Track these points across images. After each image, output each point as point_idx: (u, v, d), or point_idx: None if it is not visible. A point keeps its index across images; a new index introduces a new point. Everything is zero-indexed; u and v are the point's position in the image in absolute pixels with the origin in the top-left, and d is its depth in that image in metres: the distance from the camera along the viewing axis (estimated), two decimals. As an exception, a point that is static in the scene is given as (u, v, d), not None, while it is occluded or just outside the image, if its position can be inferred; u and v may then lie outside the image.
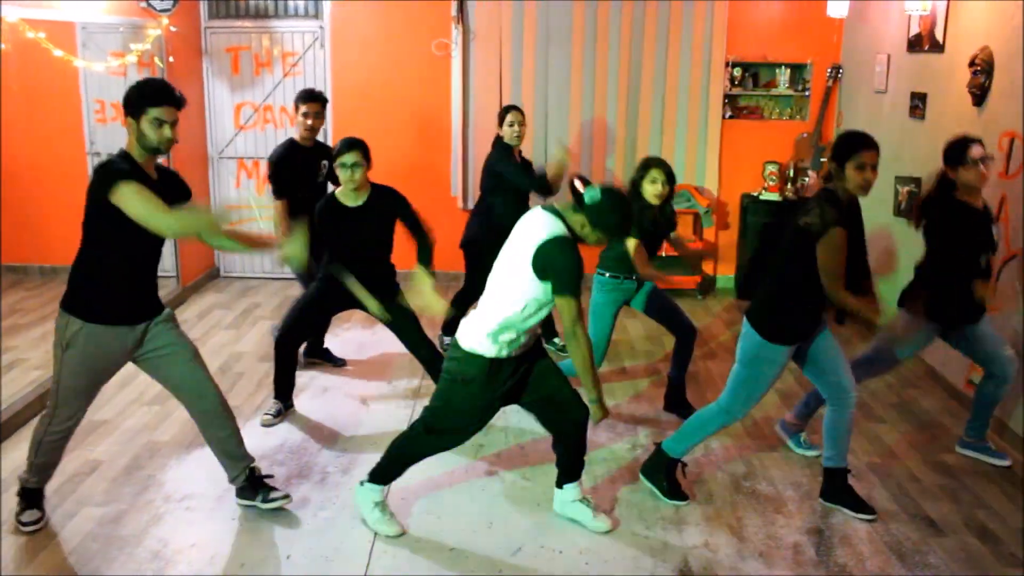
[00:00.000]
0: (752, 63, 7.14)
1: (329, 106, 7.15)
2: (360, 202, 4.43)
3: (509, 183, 5.31)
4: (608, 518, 3.74)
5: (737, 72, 7.11)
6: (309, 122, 5.12)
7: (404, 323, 4.62)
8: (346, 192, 4.41)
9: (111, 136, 7.09)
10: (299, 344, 4.88)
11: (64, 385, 3.46)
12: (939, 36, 5.31)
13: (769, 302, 3.73)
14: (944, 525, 3.73)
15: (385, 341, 5.92)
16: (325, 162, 5.23)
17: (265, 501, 3.77)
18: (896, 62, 5.98)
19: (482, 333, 3.35)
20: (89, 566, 3.36)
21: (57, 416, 3.50)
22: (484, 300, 3.43)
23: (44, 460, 3.59)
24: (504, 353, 3.36)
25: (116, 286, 3.41)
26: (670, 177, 4.51)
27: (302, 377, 5.25)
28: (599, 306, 4.69)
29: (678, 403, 4.85)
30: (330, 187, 5.13)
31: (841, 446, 3.81)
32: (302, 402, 4.93)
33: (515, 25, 7.00)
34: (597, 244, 3.40)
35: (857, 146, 3.50)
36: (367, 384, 5.22)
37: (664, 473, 3.93)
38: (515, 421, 4.69)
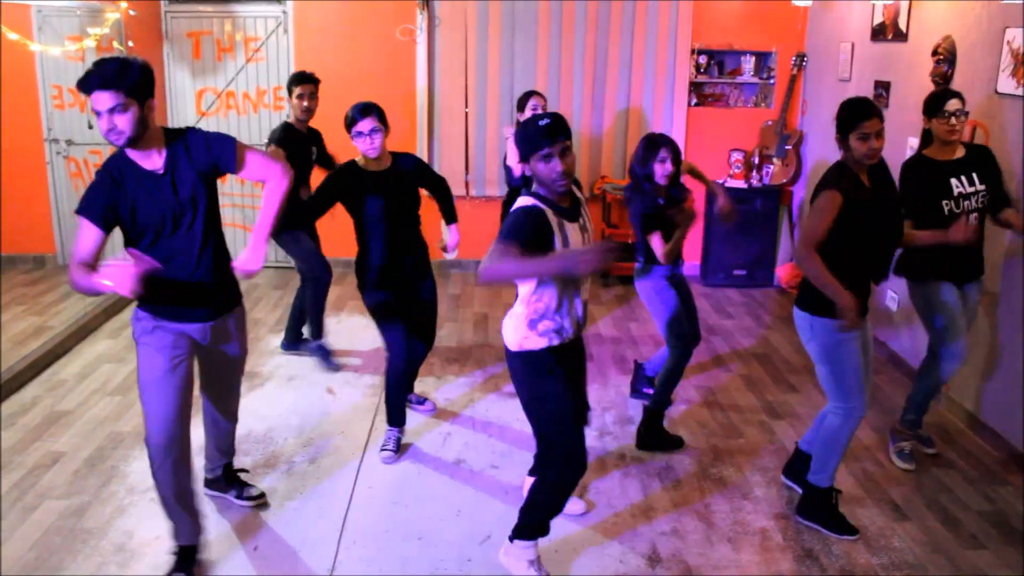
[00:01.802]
0: (717, 51, 7.16)
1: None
2: (384, 168, 4.06)
3: None
4: (583, 502, 3.76)
5: (703, 60, 7.13)
6: (305, 103, 5.00)
7: (431, 310, 4.38)
8: (368, 160, 4.03)
9: (69, 122, 6.97)
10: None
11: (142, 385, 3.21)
12: (903, 25, 5.35)
13: (807, 282, 3.51)
14: (908, 509, 3.78)
15: (351, 331, 5.90)
16: (314, 148, 5.19)
17: (240, 497, 3.74)
18: (860, 51, 6.02)
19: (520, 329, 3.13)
20: (52, 560, 3.30)
21: None
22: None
23: (186, 516, 3.27)
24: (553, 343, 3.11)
25: None
26: (677, 156, 4.25)
27: (266, 366, 5.21)
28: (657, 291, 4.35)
29: (639, 386, 4.89)
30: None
31: (833, 462, 3.63)
32: (267, 391, 4.89)
33: (480, 11, 6.95)
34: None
35: (857, 116, 3.44)
36: (333, 374, 5.17)
37: (825, 510, 3.65)
38: (482, 410, 4.69)
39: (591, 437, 4.39)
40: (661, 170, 4.16)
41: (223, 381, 3.50)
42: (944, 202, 3.93)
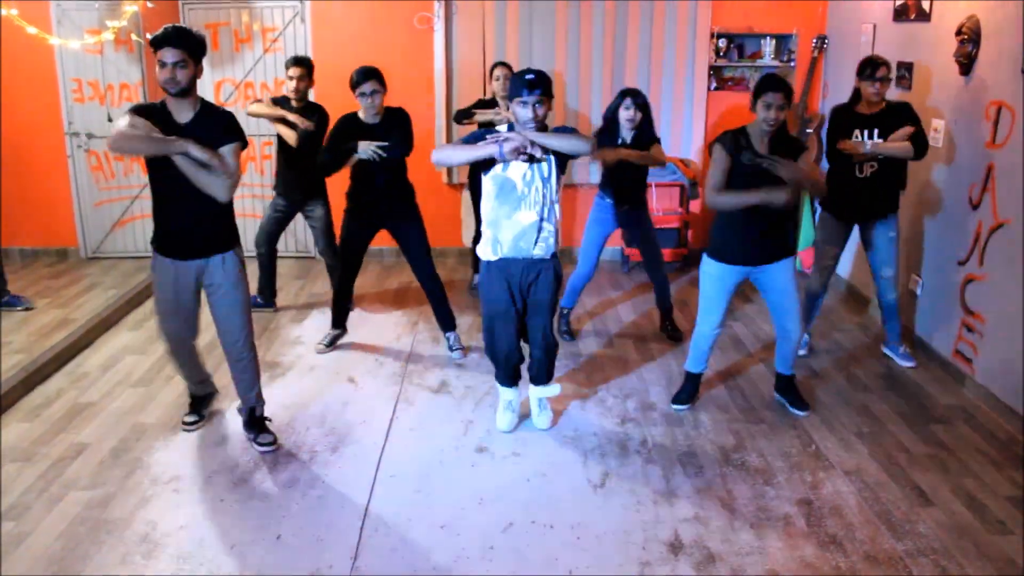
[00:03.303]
0: (737, 34, 7.10)
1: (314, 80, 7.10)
2: (378, 120, 4.96)
3: None
4: (550, 418, 4.35)
5: (722, 43, 7.07)
6: (293, 84, 5.62)
7: (415, 245, 5.15)
8: (367, 115, 4.94)
9: (89, 115, 7.00)
10: (353, 280, 5.36)
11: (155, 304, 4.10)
12: (925, 5, 5.28)
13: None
14: (933, 495, 3.75)
15: (373, 320, 5.91)
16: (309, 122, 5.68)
17: (256, 442, 4.14)
18: (882, 32, 5.94)
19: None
20: (78, 550, 3.33)
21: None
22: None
23: (181, 373, 4.32)
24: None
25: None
26: (642, 105, 5.12)
27: (288, 356, 5.23)
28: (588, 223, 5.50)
29: (669, 327, 5.65)
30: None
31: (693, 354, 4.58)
32: (289, 381, 4.90)
33: (498, -2, 6.93)
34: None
35: (765, 87, 3.99)
36: (355, 363, 5.19)
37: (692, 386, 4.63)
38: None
39: (612, 423, 4.39)
40: (625, 115, 5.10)
41: (219, 317, 4.03)
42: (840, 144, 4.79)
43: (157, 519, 3.54)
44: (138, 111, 3.66)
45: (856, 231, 5.06)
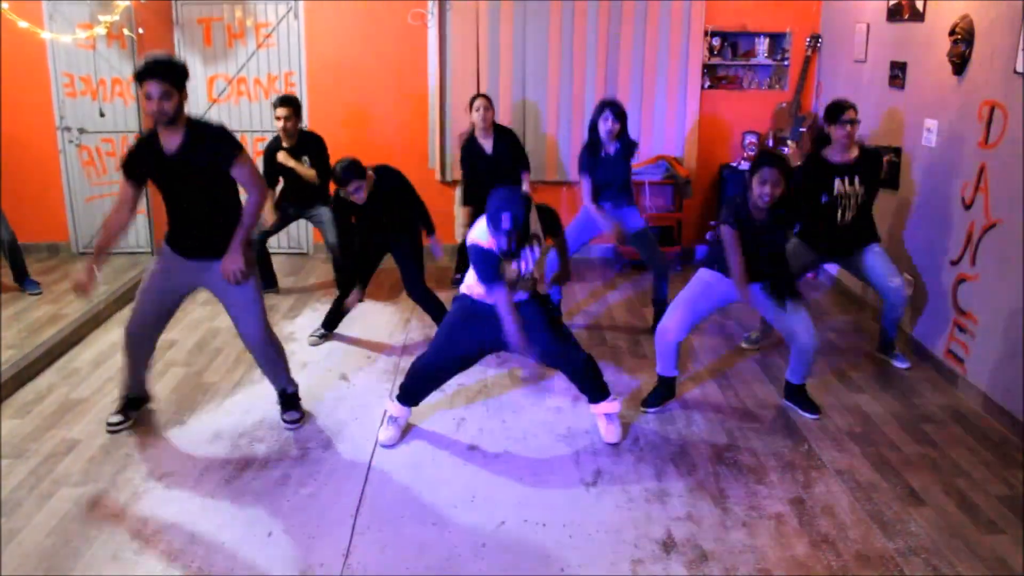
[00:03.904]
0: (731, 32, 7.10)
1: (303, 77, 7.10)
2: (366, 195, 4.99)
3: None
4: (617, 432, 4.19)
5: (716, 42, 7.07)
6: (281, 124, 5.79)
7: (407, 270, 5.23)
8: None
9: (81, 110, 6.97)
10: (355, 283, 5.37)
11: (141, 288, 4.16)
12: (919, 5, 5.29)
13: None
14: (924, 494, 3.76)
15: (365, 316, 5.90)
16: (305, 158, 5.89)
17: (281, 417, 4.35)
18: (876, 31, 5.95)
19: None
20: (69, 546, 3.32)
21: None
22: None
23: (127, 370, 4.26)
24: None
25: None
26: (620, 115, 5.27)
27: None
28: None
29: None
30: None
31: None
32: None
33: (492, -5, 6.92)
34: None
35: (760, 163, 4.05)
36: (348, 360, 5.18)
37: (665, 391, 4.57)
38: (496, 395, 4.68)
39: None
40: (604, 127, 5.22)
41: (235, 316, 4.14)
42: (824, 197, 4.85)
43: (148, 516, 3.53)
44: (131, 157, 3.87)
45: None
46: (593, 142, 5.34)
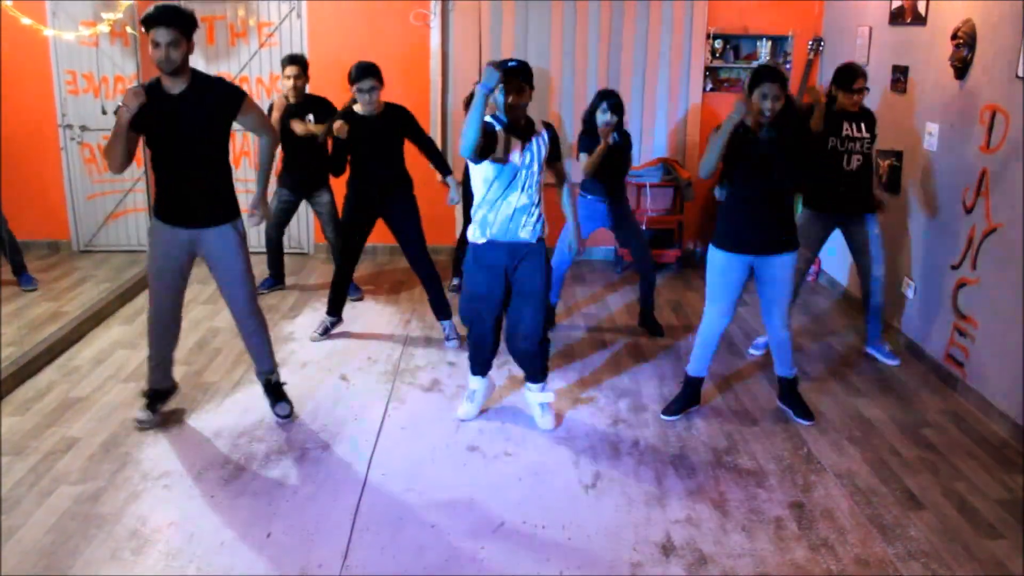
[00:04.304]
0: (733, 35, 7.10)
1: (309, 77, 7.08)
2: (376, 115, 5.11)
3: None
4: (552, 420, 4.33)
5: (718, 44, 7.07)
6: (290, 83, 5.78)
7: (411, 234, 5.27)
8: (365, 110, 5.08)
9: (83, 108, 6.97)
10: (352, 267, 5.46)
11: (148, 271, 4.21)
12: (921, 9, 5.29)
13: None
14: (924, 498, 3.75)
15: (365, 316, 5.90)
16: (310, 116, 5.81)
17: (272, 410, 4.37)
18: (878, 35, 5.95)
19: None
20: (67, 545, 3.31)
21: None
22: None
23: (152, 353, 4.26)
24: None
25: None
26: (617, 107, 5.29)
27: (280, 353, 5.21)
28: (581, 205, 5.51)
29: (649, 322, 5.71)
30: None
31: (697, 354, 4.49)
32: (281, 377, 4.87)
33: (495, -5, 6.92)
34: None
35: (759, 78, 4.00)
36: (347, 360, 5.18)
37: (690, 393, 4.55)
38: (495, 396, 4.68)
39: (604, 423, 4.39)
40: (602, 118, 5.26)
41: (223, 286, 4.18)
42: (832, 139, 4.93)
43: (147, 515, 3.53)
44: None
45: (836, 238, 5.20)
46: (588, 132, 5.34)
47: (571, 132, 7.17)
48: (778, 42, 7.09)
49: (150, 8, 3.69)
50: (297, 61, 5.82)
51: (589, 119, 5.35)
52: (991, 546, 3.42)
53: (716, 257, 4.28)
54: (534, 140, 4.01)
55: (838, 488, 3.82)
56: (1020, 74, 4.26)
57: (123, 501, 3.62)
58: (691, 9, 6.97)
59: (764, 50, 7.08)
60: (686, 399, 4.51)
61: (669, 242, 7.25)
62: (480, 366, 4.40)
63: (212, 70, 7.07)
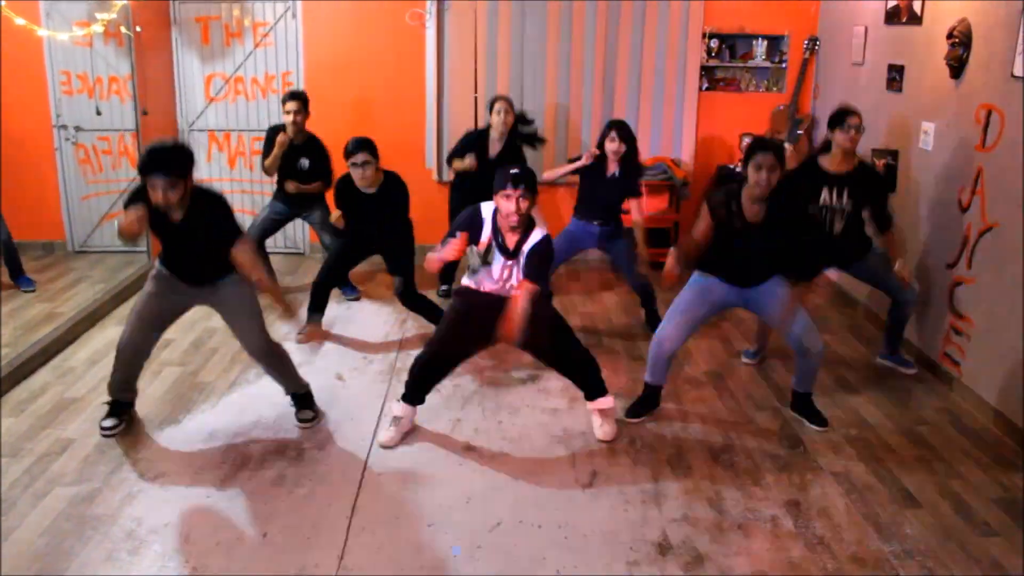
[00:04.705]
0: (729, 35, 7.10)
1: (301, 76, 7.09)
2: (374, 191, 5.15)
3: None
4: (611, 431, 4.19)
5: (714, 44, 7.07)
6: (291, 118, 5.80)
7: (400, 272, 5.33)
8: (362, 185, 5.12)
9: (78, 108, 6.95)
10: (331, 287, 5.58)
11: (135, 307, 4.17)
12: (917, 8, 5.29)
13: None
14: (919, 496, 3.76)
15: (361, 316, 5.89)
16: (304, 160, 5.91)
17: (296, 416, 4.35)
18: (874, 34, 5.96)
19: None
20: (62, 546, 3.31)
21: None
22: None
23: (115, 377, 4.21)
24: None
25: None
26: (627, 136, 5.31)
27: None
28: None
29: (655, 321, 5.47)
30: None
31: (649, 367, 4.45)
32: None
33: (490, -5, 6.91)
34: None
35: (754, 148, 3.96)
36: (343, 360, 5.17)
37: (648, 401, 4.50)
38: (492, 396, 4.68)
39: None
40: (611, 147, 5.28)
41: (237, 332, 4.21)
42: (811, 206, 4.75)
43: (143, 515, 3.52)
44: (139, 192, 3.82)
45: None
46: (599, 159, 5.38)
47: (564, 134, 7.17)
48: (774, 41, 7.10)
49: (144, 153, 3.73)
50: (298, 97, 5.85)
51: (601, 147, 5.38)
52: (987, 544, 3.42)
53: (698, 277, 4.34)
54: (522, 254, 3.88)
55: (834, 486, 3.82)
56: (1016, 73, 4.26)
57: (119, 502, 3.61)
58: (688, 9, 6.97)
59: (760, 49, 7.09)
60: (647, 404, 4.47)
61: (665, 242, 7.25)
62: (420, 395, 4.26)
63: (207, 70, 7.09)
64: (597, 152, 5.34)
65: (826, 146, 4.83)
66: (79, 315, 5.54)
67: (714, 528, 3.51)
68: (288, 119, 5.81)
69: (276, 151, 5.80)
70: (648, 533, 3.47)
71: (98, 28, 6.07)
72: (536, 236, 3.86)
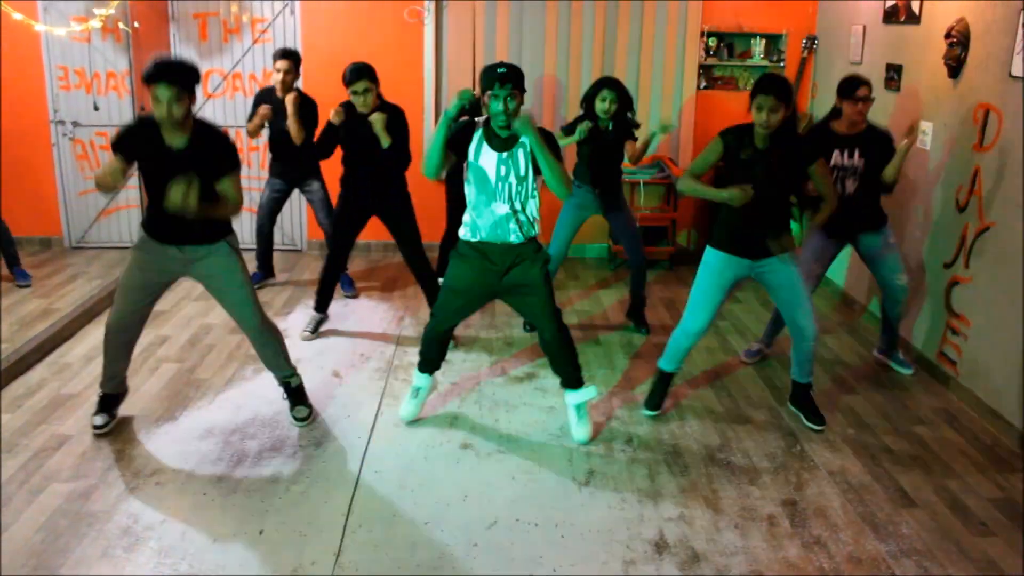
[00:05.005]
0: (727, 33, 7.10)
1: (300, 73, 7.07)
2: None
3: None
4: (590, 430, 4.18)
5: (712, 42, 7.07)
6: (280, 76, 5.78)
7: (405, 233, 5.31)
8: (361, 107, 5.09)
9: (75, 104, 6.94)
10: (342, 260, 5.53)
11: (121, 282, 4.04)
12: (915, 8, 5.29)
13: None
14: (916, 496, 3.76)
15: (359, 313, 5.88)
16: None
17: (291, 414, 4.31)
18: (872, 33, 5.96)
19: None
20: (58, 542, 3.30)
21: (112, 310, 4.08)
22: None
23: (106, 364, 4.14)
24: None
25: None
26: (622, 97, 5.24)
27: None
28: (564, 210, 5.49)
29: (636, 316, 5.74)
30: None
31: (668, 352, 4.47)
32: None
33: (489, -8, 6.91)
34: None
35: (756, 89, 3.99)
36: (340, 357, 5.17)
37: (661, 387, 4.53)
38: (488, 394, 4.68)
39: (597, 420, 4.38)
40: (600, 107, 5.20)
41: (227, 305, 4.11)
42: (838, 175, 4.73)
43: (139, 512, 3.52)
44: (128, 136, 3.73)
45: (850, 251, 5.10)
46: (587, 116, 5.26)
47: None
48: (772, 40, 7.09)
49: (149, 64, 3.60)
50: (289, 55, 5.81)
51: (588, 105, 5.27)
52: (983, 544, 3.43)
53: (711, 257, 4.26)
54: (517, 149, 3.85)
55: (831, 486, 3.83)
56: (1014, 73, 4.26)
57: (115, 499, 3.61)
58: (686, 7, 6.96)
59: (758, 48, 7.08)
60: (661, 391, 4.50)
61: (662, 239, 7.25)
62: (429, 361, 4.33)
63: (205, 66, 7.06)
64: (591, 125, 5.19)
65: (836, 112, 4.76)
66: (76, 311, 5.53)
67: (711, 527, 3.51)
68: (277, 77, 5.76)
69: (256, 121, 5.75)
70: (645, 532, 3.47)
71: (95, 23, 6.05)
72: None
